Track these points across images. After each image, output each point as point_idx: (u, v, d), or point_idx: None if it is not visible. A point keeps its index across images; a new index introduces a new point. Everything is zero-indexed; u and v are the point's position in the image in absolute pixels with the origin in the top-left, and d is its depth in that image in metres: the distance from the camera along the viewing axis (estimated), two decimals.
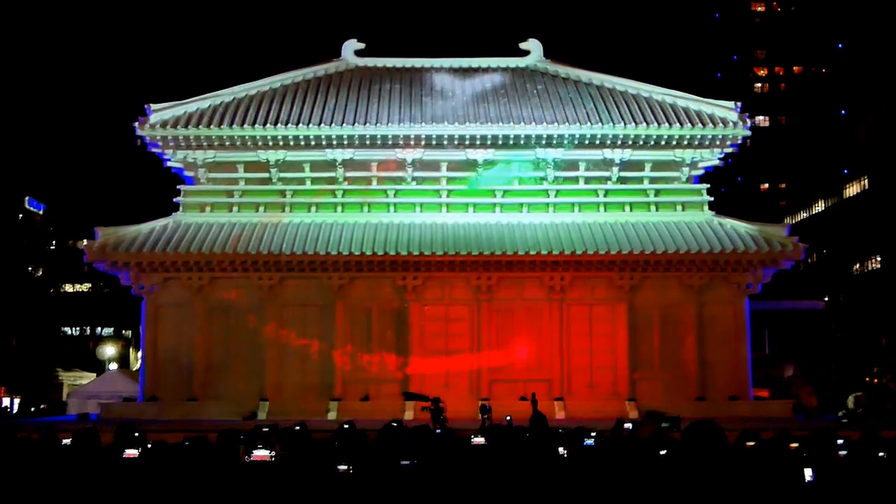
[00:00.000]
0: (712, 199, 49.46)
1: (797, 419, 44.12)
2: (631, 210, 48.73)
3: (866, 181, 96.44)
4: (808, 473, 11.25)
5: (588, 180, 49.24)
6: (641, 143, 48.38)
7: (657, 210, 48.80)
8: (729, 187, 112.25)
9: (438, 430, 20.62)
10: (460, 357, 47.39)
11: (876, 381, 66.96)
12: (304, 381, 47.18)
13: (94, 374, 69.13)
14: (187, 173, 49.84)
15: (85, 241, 46.80)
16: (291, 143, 48.19)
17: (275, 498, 11.58)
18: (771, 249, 46.28)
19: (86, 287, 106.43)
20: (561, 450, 14.96)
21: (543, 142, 48.19)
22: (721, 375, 47.07)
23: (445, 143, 48.21)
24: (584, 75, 51.92)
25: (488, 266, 46.56)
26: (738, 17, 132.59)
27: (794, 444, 14.50)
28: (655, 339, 47.45)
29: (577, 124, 47.93)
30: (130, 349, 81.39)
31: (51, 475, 12.21)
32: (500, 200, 48.93)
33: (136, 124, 47.93)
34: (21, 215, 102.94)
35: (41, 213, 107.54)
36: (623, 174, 49.24)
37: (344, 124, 48.05)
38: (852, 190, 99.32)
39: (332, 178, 49.21)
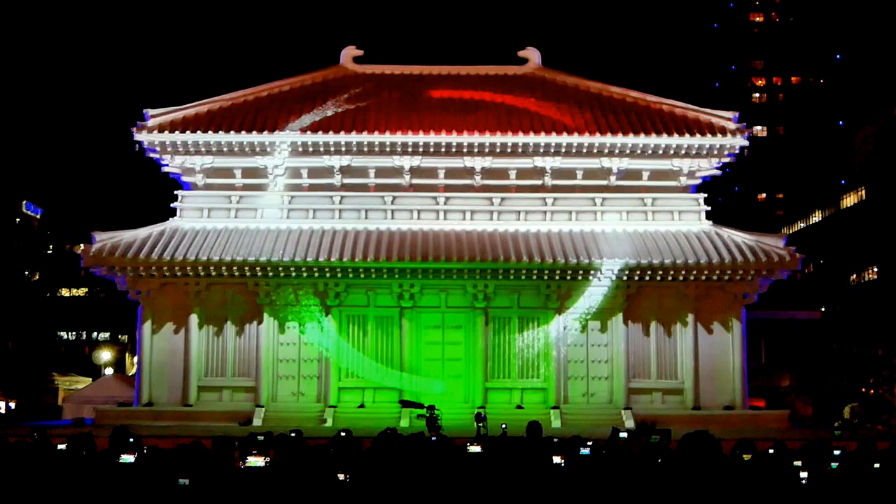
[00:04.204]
0: (710, 208, 49.43)
1: (792, 429, 44.10)
2: (628, 219, 48.70)
3: (864, 192, 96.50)
4: (803, 483, 11.22)
5: (585, 189, 49.24)
6: (639, 152, 48.38)
7: (654, 219, 48.78)
8: (726, 197, 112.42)
9: (434, 438, 20.57)
10: (456, 365, 47.38)
11: (872, 391, 66.85)
12: (299, 388, 47.23)
13: (90, 379, 68.88)
14: (185, 178, 49.80)
15: (82, 246, 46.73)
16: (289, 149, 48.17)
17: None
18: (768, 259, 46.26)
19: (82, 292, 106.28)
20: (556, 459, 14.92)
21: (541, 150, 48.18)
22: (717, 385, 47.08)
23: (443, 150, 48.20)
24: (583, 84, 51.97)
25: (485, 274, 46.51)
26: (737, 27, 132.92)
27: (798, 462, 14.28)
28: (651, 348, 47.48)
29: (576, 133, 47.94)
30: (126, 354, 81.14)
31: (45, 480, 12.17)
32: (497, 208, 48.90)
33: (134, 129, 47.84)
34: (18, 219, 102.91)
35: (38, 217, 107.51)
36: (620, 183, 49.26)
37: (342, 131, 48.02)
38: (849, 201, 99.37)
39: (330, 185, 49.19)
